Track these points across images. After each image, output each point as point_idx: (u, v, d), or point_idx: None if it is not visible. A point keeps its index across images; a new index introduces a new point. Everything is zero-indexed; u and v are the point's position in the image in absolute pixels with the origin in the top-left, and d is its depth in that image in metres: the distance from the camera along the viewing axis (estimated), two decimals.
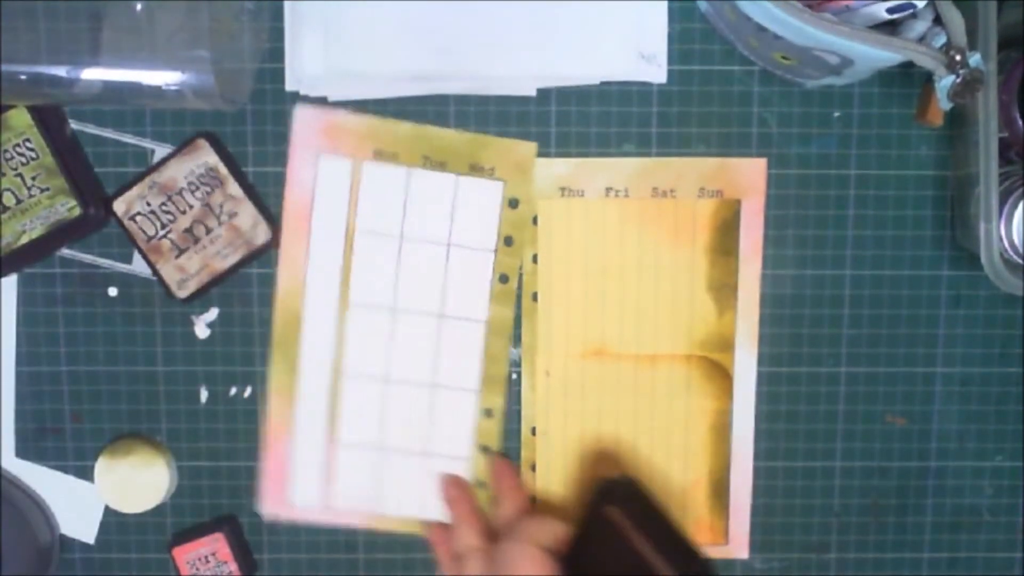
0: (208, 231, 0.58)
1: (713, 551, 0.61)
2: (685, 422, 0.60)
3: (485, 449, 0.60)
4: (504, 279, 0.59)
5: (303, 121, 0.59)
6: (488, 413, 0.60)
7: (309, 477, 0.61)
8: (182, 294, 0.59)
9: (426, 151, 0.59)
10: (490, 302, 0.60)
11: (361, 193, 0.59)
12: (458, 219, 0.59)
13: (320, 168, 0.59)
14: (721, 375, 0.60)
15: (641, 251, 0.59)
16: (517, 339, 0.60)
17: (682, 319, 0.60)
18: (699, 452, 0.60)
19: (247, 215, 0.58)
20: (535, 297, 0.60)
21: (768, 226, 0.59)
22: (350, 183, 0.59)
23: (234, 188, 0.58)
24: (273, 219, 0.59)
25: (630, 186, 0.59)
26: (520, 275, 0.60)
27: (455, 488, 0.60)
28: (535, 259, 0.59)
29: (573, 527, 0.55)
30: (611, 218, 0.59)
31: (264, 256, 0.59)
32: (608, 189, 0.59)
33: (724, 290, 0.59)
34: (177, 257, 0.58)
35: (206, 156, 0.58)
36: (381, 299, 0.60)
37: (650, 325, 0.60)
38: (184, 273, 0.58)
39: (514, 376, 0.60)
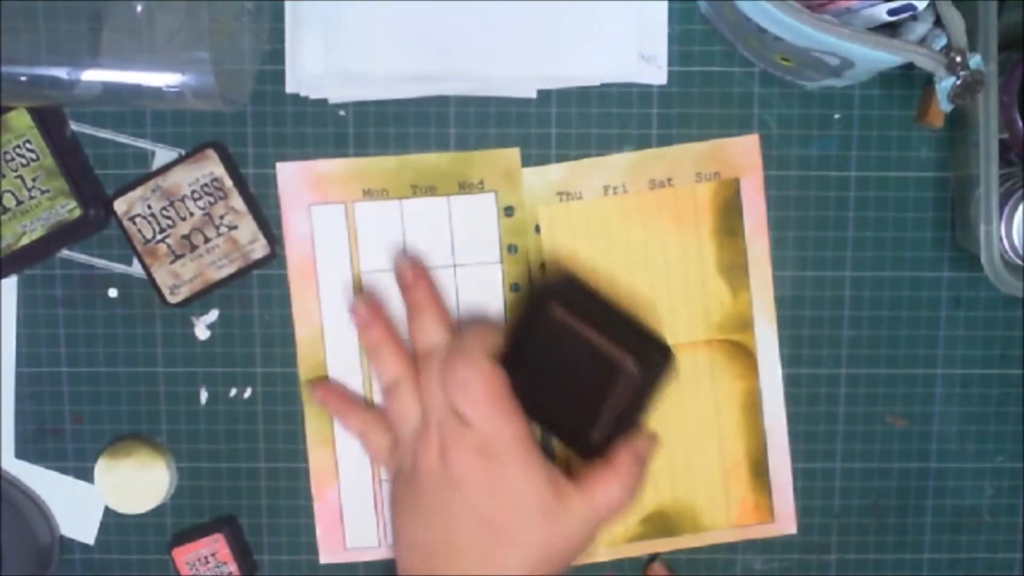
0: (206, 240, 0.58)
1: (761, 531, 0.61)
2: (715, 407, 0.60)
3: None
4: (515, 288, 0.59)
5: (287, 176, 0.59)
6: None
7: (362, 519, 0.61)
8: (173, 300, 0.59)
9: (413, 180, 0.59)
10: (506, 313, 0.60)
11: (359, 234, 0.59)
12: (458, 239, 0.59)
13: (314, 218, 0.59)
14: (744, 355, 0.60)
15: (647, 244, 0.59)
16: None
17: (697, 305, 0.60)
18: (734, 435, 0.60)
19: (247, 229, 0.58)
20: None
21: (770, 205, 0.59)
22: (346, 227, 0.59)
23: (237, 201, 0.58)
24: (273, 236, 0.59)
25: (627, 181, 0.59)
26: (530, 283, 0.60)
27: (371, 310, 0.57)
28: (543, 267, 0.59)
29: (513, 330, 0.54)
30: (613, 216, 0.59)
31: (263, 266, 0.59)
32: (606, 187, 0.59)
33: (735, 270, 0.60)
34: (172, 263, 0.58)
35: (213, 166, 0.58)
36: (399, 333, 0.59)
37: (666, 316, 0.60)
38: (178, 279, 0.58)
39: None
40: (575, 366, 0.54)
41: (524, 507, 0.52)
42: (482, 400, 0.53)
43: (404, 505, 0.55)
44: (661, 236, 0.59)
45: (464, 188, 0.59)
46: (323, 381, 0.59)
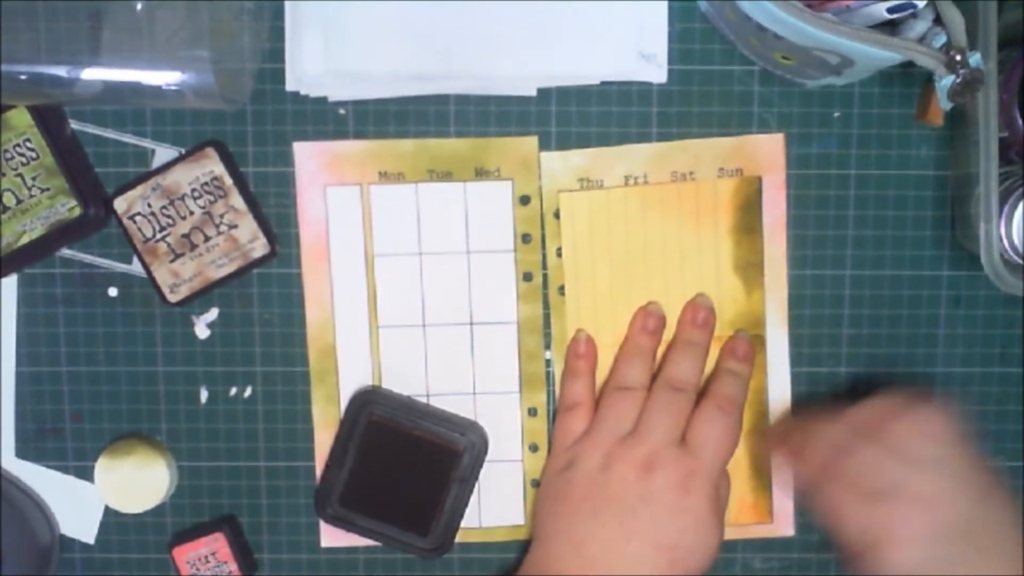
0: (206, 239, 0.58)
1: (759, 531, 0.61)
2: None
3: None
4: (528, 277, 0.60)
5: (304, 157, 0.59)
6: (532, 412, 0.60)
7: None
8: (173, 298, 0.59)
9: (430, 164, 0.59)
10: (518, 302, 0.60)
11: (373, 217, 0.59)
12: (472, 225, 0.59)
13: (329, 200, 0.59)
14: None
15: (664, 236, 0.59)
16: (548, 336, 0.60)
17: (710, 301, 0.60)
18: None
19: (247, 228, 0.58)
20: (561, 291, 0.60)
21: (791, 202, 0.59)
22: (361, 209, 0.59)
23: (237, 200, 0.58)
24: (273, 235, 0.59)
25: (649, 172, 0.59)
26: (544, 271, 0.60)
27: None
28: (559, 252, 0.59)
29: (347, 440, 0.59)
30: (632, 205, 0.59)
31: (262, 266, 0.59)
32: (627, 177, 0.59)
33: (750, 269, 0.60)
34: (172, 261, 0.58)
35: (212, 165, 0.58)
36: (410, 317, 0.60)
37: (678, 309, 0.60)
38: (178, 278, 0.59)
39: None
40: (406, 461, 0.59)
41: (706, 544, 0.55)
42: (724, 446, 0.56)
43: (579, 504, 0.56)
44: (679, 229, 0.59)
45: (481, 175, 0.59)
46: (591, 341, 0.60)
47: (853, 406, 0.56)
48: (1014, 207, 0.55)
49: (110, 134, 0.59)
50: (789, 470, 0.58)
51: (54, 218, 0.58)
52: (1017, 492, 0.61)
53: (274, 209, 0.59)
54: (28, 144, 0.57)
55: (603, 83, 0.59)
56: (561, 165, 0.59)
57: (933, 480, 0.52)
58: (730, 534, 0.60)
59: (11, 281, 0.60)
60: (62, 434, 0.61)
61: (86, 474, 0.61)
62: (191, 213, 0.58)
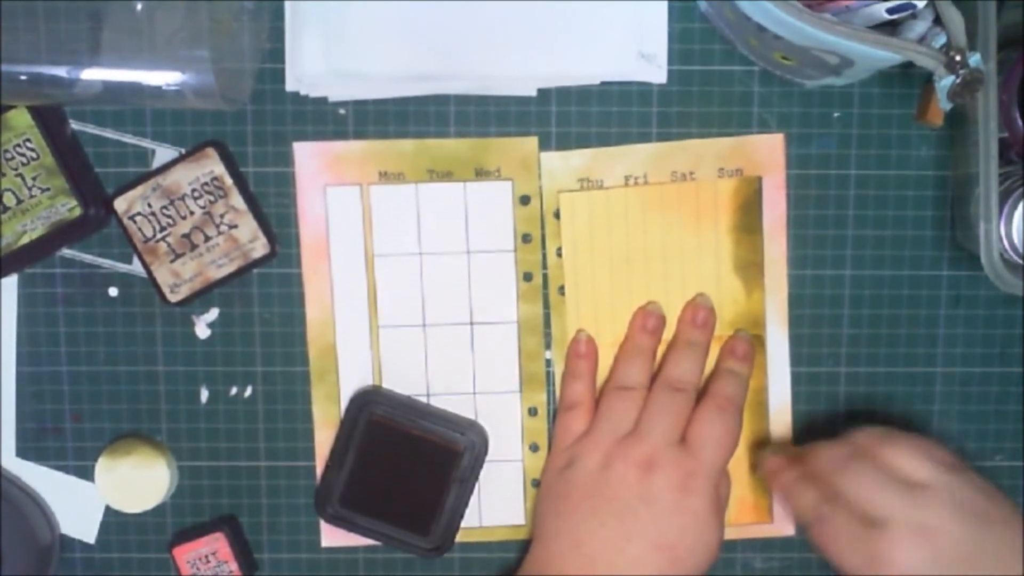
0: (206, 239, 0.58)
1: (759, 530, 0.61)
2: None
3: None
4: (528, 277, 0.60)
5: (304, 156, 0.59)
6: (532, 412, 0.61)
7: None
8: (174, 298, 0.59)
9: (430, 164, 0.59)
10: (518, 302, 0.60)
11: (373, 217, 0.59)
12: (472, 225, 0.59)
13: (329, 200, 0.59)
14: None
15: (665, 236, 0.59)
16: (548, 336, 0.60)
17: (710, 301, 0.60)
18: None
19: (247, 228, 0.58)
20: (561, 291, 0.60)
21: (791, 203, 0.59)
22: (361, 209, 0.59)
23: (237, 200, 0.58)
24: (273, 235, 0.59)
25: (649, 172, 0.59)
26: (544, 271, 0.60)
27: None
28: (559, 252, 0.59)
29: (347, 440, 0.59)
30: (632, 205, 0.59)
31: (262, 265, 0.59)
32: (627, 177, 0.59)
33: (750, 269, 0.60)
34: (172, 261, 0.58)
35: (213, 165, 0.58)
36: (410, 317, 0.60)
37: (678, 309, 0.60)
38: (178, 278, 0.59)
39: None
40: (407, 461, 0.59)
41: (706, 544, 0.55)
42: (724, 446, 0.56)
43: (579, 503, 0.56)
44: (679, 229, 0.59)
45: (481, 175, 0.59)
46: (591, 341, 0.60)
47: (848, 432, 0.56)
48: (1014, 207, 0.55)
49: (110, 134, 0.59)
50: (786, 502, 0.58)
51: (54, 218, 0.58)
52: (1017, 492, 0.61)
53: (274, 209, 0.59)
54: (28, 144, 0.57)
55: (603, 83, 0.59)
56: (561, 165, 0.59)
57: (929, 507, 0.52)
58: (730, 534, 0.60)
59: (11, 281, 0.60)
60: (62, 434, 0.61)
61: (86, 474, 0.61)
62: (191, 213, 0.58)
